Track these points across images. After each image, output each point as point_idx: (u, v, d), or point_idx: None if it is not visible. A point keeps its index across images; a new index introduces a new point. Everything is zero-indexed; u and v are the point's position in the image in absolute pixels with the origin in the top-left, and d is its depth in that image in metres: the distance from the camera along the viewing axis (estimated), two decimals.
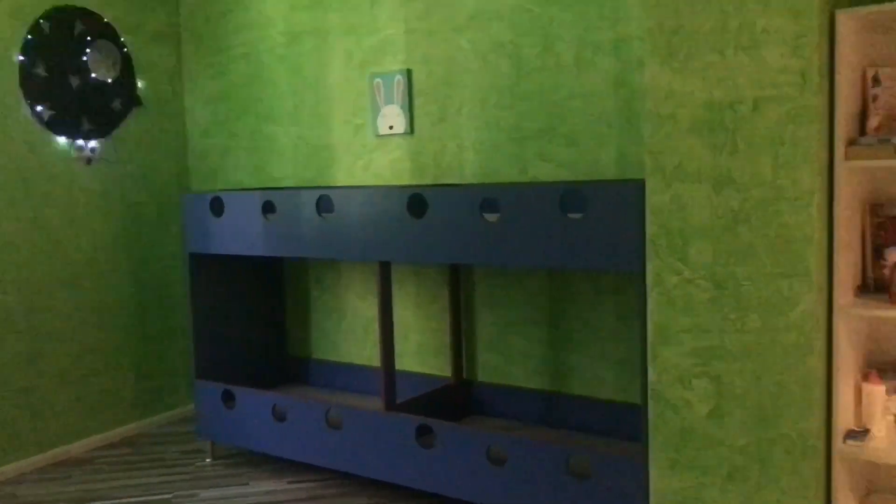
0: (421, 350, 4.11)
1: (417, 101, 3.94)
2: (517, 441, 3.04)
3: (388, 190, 3.30)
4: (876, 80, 2.66)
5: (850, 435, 2.56)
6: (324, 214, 3.49)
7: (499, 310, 3.82)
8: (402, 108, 3.97)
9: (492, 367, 3.87)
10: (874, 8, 2.40)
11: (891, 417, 2.70)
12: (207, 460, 4.11)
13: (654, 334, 2.70)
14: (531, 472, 3.02)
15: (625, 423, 3.46)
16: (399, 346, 4.14)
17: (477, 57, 3.75)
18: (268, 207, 3.68)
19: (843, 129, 2.49)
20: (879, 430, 2.61)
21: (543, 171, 3.62)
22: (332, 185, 4.31)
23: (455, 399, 3.88)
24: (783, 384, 2.47)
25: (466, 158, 3.84)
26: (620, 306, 3.47)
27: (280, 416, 3.74)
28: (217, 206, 3.85)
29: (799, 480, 2.46)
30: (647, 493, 2.76)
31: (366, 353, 4.34)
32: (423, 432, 3.33)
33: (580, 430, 3.58)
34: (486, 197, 3.06)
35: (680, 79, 2.57)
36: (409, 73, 3.94)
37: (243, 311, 4.36)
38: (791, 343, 2.45)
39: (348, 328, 4.40)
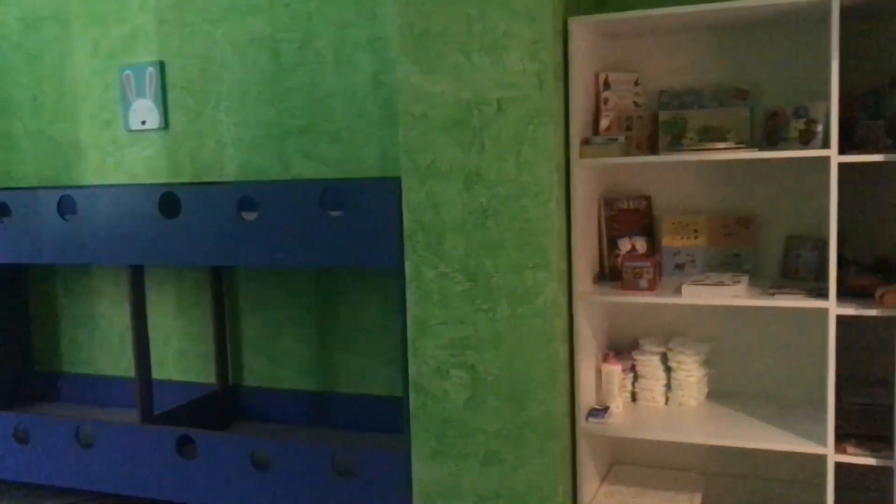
0: (183, 357, 3.92)
1: (172, 95, 3.76)
2: (281, 445, 2.98)
3: (137, 189, 3.11)
4: (606, 84, 2.88)
5: (592, 413, 2.76)
6: (67, 216, 3.22)
7: (265, 311, 3.73)
8: (155, 102, 3.76)
9: (259, 371, 3.78)
10: (604, 16, 2.59)
11: (627, 394, 2.95)
12: None
13: (414, 328, 2.76)
14: (297, 475, 2.97)
15: (393, 418, 3.51)
16: (159, 354, 3.93)
17: (234, 50, 3.64)
18: (2, 210, 3.34)
19: (577, 129, 2.67)
20: (617, 406, 2.84)
21: (307, 169, 3.58)
22: (79, 184, 3.99)
23: (221, 406, 3.74)
24: (531, 369, 2.62)
25: (226, 155, 3.71)
26: (386, 302, 3.51)
27: (22, 438, 3.41)
28: None
29: (548, 459, 2.62)
30: (410, 484, 2.81)
31: (122, 363, 4.07)
32: (184, 443, 3.18)
33: (351, 429, 3.59)
34: (244, 195, 2.98)
35: (430, 79, 2.64)
36: (161, 65, 3.74)
37: None
38: (537, 330, 2.60)
39: (102, 338, 4.11)
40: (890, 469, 2.32)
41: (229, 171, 3.70)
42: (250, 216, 2.97)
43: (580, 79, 2.67)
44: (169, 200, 3.06)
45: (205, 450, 3.11)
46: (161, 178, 3.82)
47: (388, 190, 2.76)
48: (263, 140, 3.63)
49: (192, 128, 3.75)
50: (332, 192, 2.86)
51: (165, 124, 3.77)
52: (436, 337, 2.73)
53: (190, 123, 3.75)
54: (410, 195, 2.71)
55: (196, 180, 3.76)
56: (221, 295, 3.76)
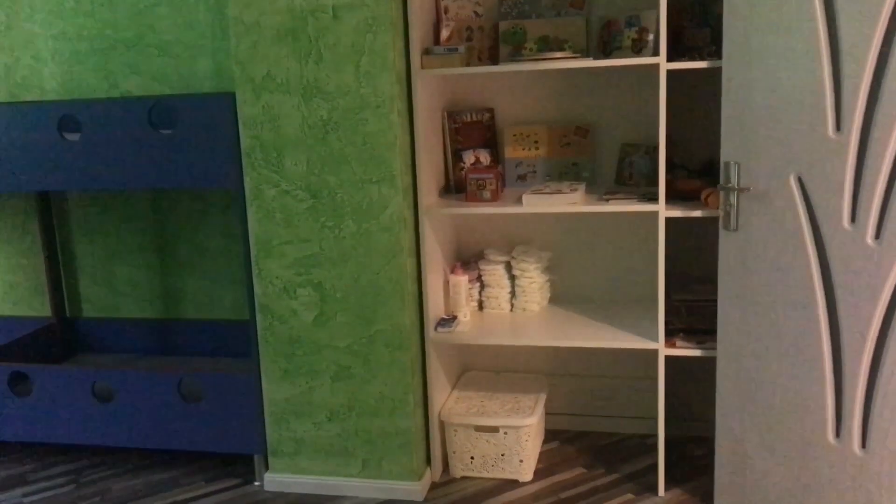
0: (13, 291, 3.67)
1: None
2: (123, 374, 2.87)
3: None
4: None
5: (441, 323, 2.80)
6: None
7: (100, 238, 3.53)
8: None
9: (97, 301, 3.59)
10: None
11: (474, 304, 3.02)
12: None
13: (257, 249, 2.68)
14: (142, 405, 2.88)
15: (242, 342, 3.44)
16: None
17: None
18: None
19: (418, 39, 2.62)
20: (465, 315, 2.89)
21: (136, 85, 3.35)
22: None
23: (57, 340, 3.54)
24: (379, 284, 2.62)
25: (46, 72, 3.41)
26: (228, 223, 3.39)
27: None
28: None
29: (398, 370, 2.65)
30: (261, 405, 2.78)
31: None
32: (17, 380, 3.00)
33: (198, 355, 3.49)
34: (65, 114, 2.76)
35: None
36: None
37: None
38: (383, 244, 2.59)
39: None
40: (713, 359, 2.50)
41: (50, 88, 3.42)
42: (73, 137, 2.76)
43: None
44: None
45: (41, 385, 2.95)
46: None
47: (221, 105, 2.63)
48: (86, 55, 3.35)
49: (3, 42, 3.41)
50: (161, 110, 2.70)
51: None
52: (280, 257, 2.67)
53: (1, 37, 3.41)
54: (246, 110, 2.60)
55: (13, 100, 3.45)
56: (51, 222, 3.52)
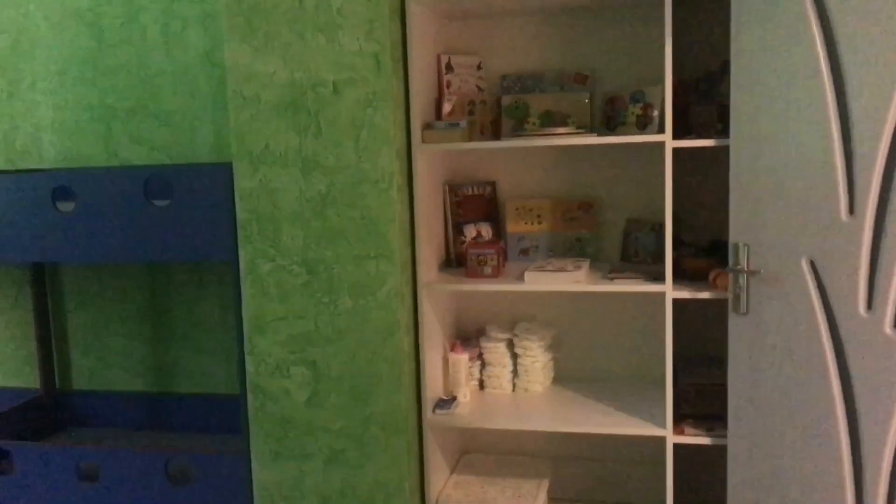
0: (3, 361, 3.58)
1: None
2: (109, 454, 2.76)
3: None
4: (449, 67, 2.81)
5: (439, 404, 2.70)
6: None
7: (93, 309, 3.45)
8: None
9: (88, 373, 3.50)
10: None
11: (474, 382, 2.91)
12: None
13: (250, 324, 2.60)
14: (128, 485, 2.76)
15: (234, 418, 3.33)
16: None
17: (50, 25, 3.31)
18: None
19: (419, 113, 2.58)
20: (465, 395, 2.79)
21: (136, 155, 3.32)
22: None
23: (45, 413, 3.44)
24: (374, 363, 2.52)
25: (45, 141, 3.39)
26: (224, 296, 3.31)
27: None
28: None
29: (393, 455, 2.53)
30: (250, 488, 2.66)
31: None
32: (1, 458, 2.89)
33: (189, 430, 3.38)
34: (59, 184, 2.71)
35: (261, 58, 2.48)
36: None
37: None
38: (380, 322, 2.50)
39: None
40: (724, 447, 2.39)
41: (49, 157, 3.39)
42: (66, 207, 2.71)
43: (420, 61, 2.58)
44: None
45: (24, 463, 2.83)
46: None
47: (218, 177, 2.58)
48: (87, 124, 3.33)
49: (3, 110, 3.40)
50: (157, 180, 2.65)
51: None
52: (274, 333, 2.58)
53: (2, 105, 3.40)
54: (243, 182, 2.54)
55: (11, 168, 3.42)
56: (44, 291, 3.44)
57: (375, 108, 2.43)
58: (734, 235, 2.27)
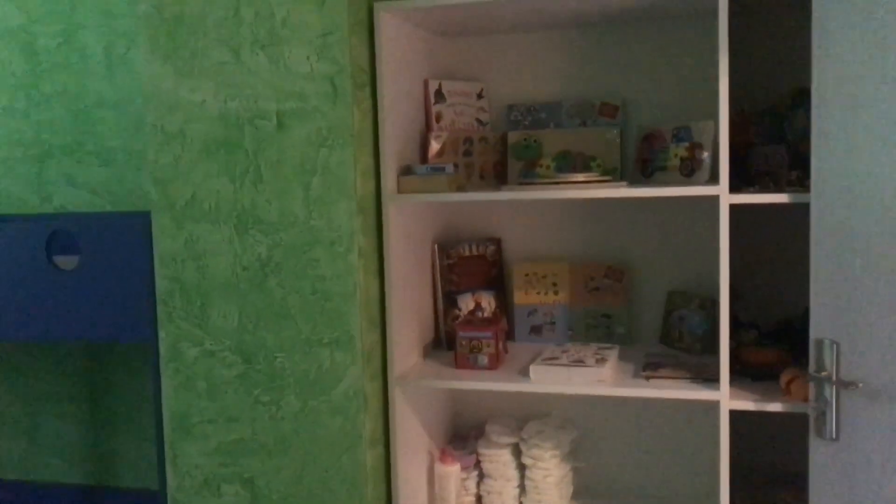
0: None
1: None
2: None
3: None
4: (440, 95, 2.21)
5: None
6: None
7: (22, 385, 2.89)
8: None
9: (16, 460, 2.93)
10: (420, 2, 1.91)
11: (471, 498, 2.26)
12: None
13: (172, 426, 2.00)
14: None
15: None
16: None
17: None
18: None
19: (393, 154, 1.99)
20: None
21: (74, 200, 2.77)
22: None
23: None
24: (328, 483, 1.91)
25: None
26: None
27: None
28: None
29: None
30: None
31: None
32: None
33: None
34: None
35: (187, 83, 1.91)
36: None
37: None
38: (336, 430, 1.89)
39: None
40: None
41: None
42: None
43: (394, 86, 1.99)
44: None
45: None
46: None
47: (133, 230, 2.01)
48: (17, 162, 2.80)
49: None
50: (62, 235, 2.09)
51: None
52: (203, 439, 1.98)
53: None
54: (164, 243, 1.97)
55: None
56: None
57: (331, 148, 1.84)
58: (817, 329, 1.62)
